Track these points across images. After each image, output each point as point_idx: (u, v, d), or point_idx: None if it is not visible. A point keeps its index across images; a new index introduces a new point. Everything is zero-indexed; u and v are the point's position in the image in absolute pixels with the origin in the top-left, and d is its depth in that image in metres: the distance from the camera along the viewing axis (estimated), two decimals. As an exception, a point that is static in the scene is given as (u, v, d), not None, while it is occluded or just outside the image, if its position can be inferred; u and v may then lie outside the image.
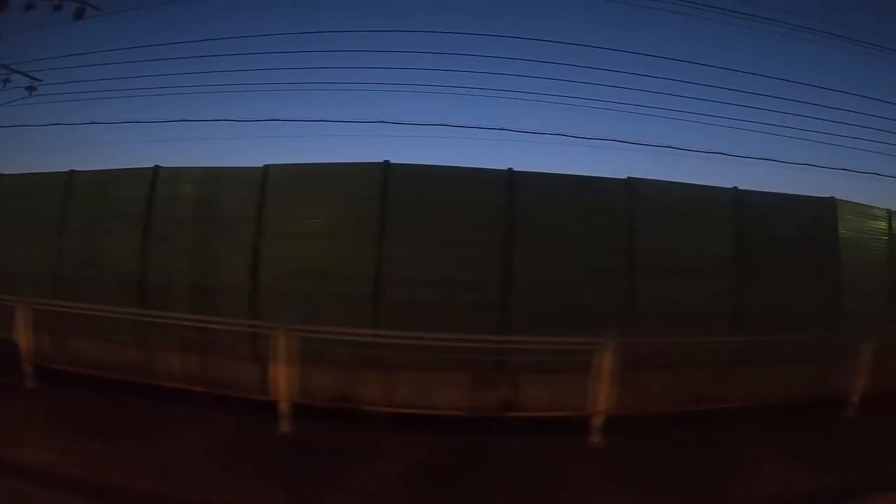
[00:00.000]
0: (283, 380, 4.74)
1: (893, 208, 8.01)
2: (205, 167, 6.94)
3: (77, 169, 7.55)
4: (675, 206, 6.69)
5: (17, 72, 8.00)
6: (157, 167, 7.02)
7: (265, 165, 6.71)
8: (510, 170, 6.49)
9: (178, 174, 6.93)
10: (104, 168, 7.40)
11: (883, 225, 7.84)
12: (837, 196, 7.35)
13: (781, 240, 6.95)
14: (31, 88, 8.16)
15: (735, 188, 6.89)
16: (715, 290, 6.65)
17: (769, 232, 6.93)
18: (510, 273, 6.28)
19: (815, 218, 7.22)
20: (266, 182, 6.64)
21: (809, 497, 3.73)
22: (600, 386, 4.77)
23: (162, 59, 11.17)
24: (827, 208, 7.24)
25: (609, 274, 6.41)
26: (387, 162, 6.49)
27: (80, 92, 9.51)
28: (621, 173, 6.71)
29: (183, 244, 6.79)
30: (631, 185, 6.59)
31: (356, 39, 13.03)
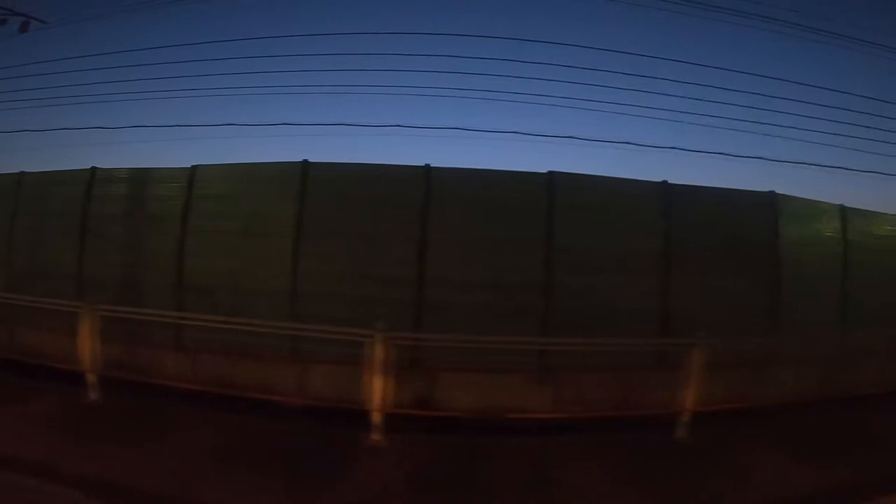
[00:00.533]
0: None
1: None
2: (137, 168, 7.13)
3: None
4: (598, 200, 6.55)
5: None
6: (94, 168, 7.25)
7: (193, 165, 6.86)
8: (427, 166, 6.47)
9: (112, 175, 7.13)
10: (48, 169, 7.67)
11: (834, 222, 7.51)
12: (784, 191, 7.11)
13: (715, 236, 6.70)
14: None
15: (664, 182, 6.68)
16: (641, 288, 6.45)
17: (703, 227, 6.70)
18: (423, 269, 6.24)
19: (753, 213, 6.96)
20: (193, 181, 6.77)
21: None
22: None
23: (109, 68, 11.38)
24: (766, 203, 6.98)
25: (526, 271, 6.28)
26: (305, 161, 6.56)
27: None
28: (555, 167, 6.56)
29: (116, 240, 6.97)
30: (552, 180, 6.47)
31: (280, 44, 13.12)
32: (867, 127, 9.24)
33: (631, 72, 8.75)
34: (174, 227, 6.72)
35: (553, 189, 6.45)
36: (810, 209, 7.42)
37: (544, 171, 6.52)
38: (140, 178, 7.06)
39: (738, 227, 6.84)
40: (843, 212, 7.59)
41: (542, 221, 6.36)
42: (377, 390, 4.76)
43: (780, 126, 9.16)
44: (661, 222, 6.57)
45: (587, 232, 6.45)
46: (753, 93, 10.21)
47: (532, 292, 6.24)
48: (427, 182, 6.40)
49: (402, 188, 6.41)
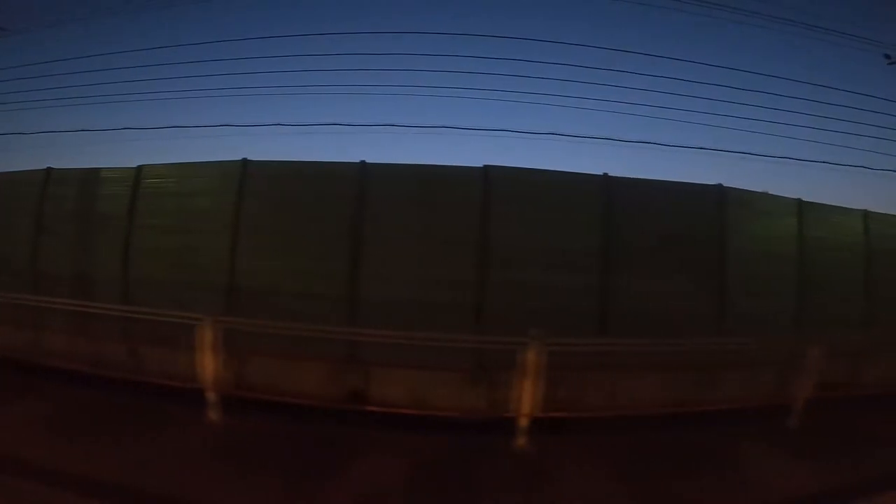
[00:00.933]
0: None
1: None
2: (88, 168, 7.32)
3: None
4: (534, 194, 6.45)
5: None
6: (49, 169, 7.46)
7: (139, 165, 7.03)
8: (363, 162, 6.49)
9: (66, 175, 7.33)
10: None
11: (790, 218, 7.28)
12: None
13: (659, 231, 6.55)
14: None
15: (605, 174, 6.54)
16: (578, 285, 6.32)
17: (645, 222, 6.56)
18: (357, 265, 6.26)
19: (700, 207, 6.79)
20: (139, 180, 6.92)
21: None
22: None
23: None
24: (713, 196, 6.79)
25: (459, 267, 6.24)
26: (245, 159, 6.65)
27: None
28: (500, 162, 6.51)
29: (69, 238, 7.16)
30: (488, 174, 6.41)
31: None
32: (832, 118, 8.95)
33: (577, 63, 8.57)
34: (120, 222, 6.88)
35: (488, 183, 6.38)
36: (765, 203, 7.20)
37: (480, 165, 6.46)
38: (90, 178, 7.23)
39: (684, 222, 6.69)
40: (801, 207, 7.35)
41: (477, 216, 6.29)
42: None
43: (737, 117, 8.88)
44: (600, 216, 6.44)
45: (523, 226, 6.35)
46: (705, 83, 9.89)
47: (465, 289, 6.17)
48: (362, 178, 6.41)
49: (338, 184, 6.44)
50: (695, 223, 6.74)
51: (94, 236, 7.10)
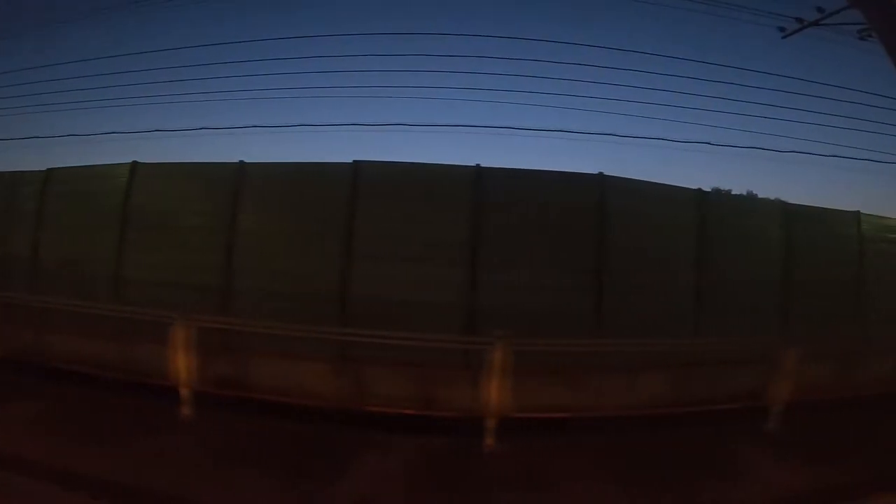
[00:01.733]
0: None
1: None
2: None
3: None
4: (406, 188, 6.48)
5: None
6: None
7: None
8: (241, 162, 6.76)
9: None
10: None
11: (687, 210, 6.91)
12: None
13: (535, 222, 6.40)
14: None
15: (477, 166, 6.47)
16: (447, 279, 6.22)
17: (520, 213, 6.41)
18: (230, 260, 6.49)
19: (579, 197, 6.56)
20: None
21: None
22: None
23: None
24: (594, 186, 6.54)
25: (327, 261, 6.32)
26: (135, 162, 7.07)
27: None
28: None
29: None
30: (358, 169, 6.51)
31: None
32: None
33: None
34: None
35: (357, 178, 6.49)
36: (660, 195, 6.87)
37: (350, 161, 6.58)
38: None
39: (562, 214, 6.47)
40: (702, 197, 7.04)
41: (344, 211, 6.39)
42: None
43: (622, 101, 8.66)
44: (470, 209, 6.35)
45: (391, 221, 6.38)
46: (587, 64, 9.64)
47: (331, 282, 6.25)
48: (238, 177, 6.67)
49: (214, 184, 6.74)
50: (573, 214, 6.51)
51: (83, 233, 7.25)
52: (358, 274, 6.27)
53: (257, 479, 3.74)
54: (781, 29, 7.40)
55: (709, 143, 10.18)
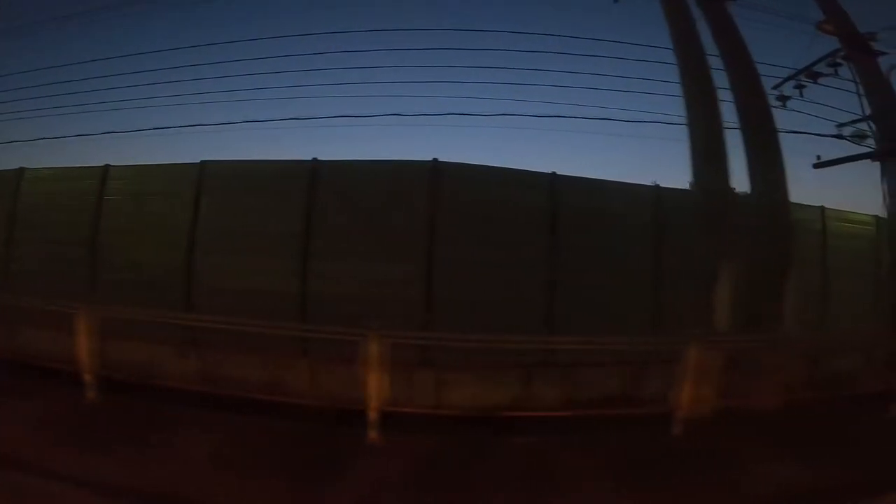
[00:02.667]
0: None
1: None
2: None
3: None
4: (247, 183, 6.78)
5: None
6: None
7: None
8: (107, 166, 7.30)
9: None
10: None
11: (538, 195, 6.71)
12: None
13: (368, 212, 6.47)
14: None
15: (314, 159, 6.64)
16: (279, 270, 6.45)
17: (353, 204, 6.52)
18: (94, 252, 7.07)
19: (410, 185, 6.57)
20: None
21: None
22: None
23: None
24: (425, 173, 6.51)
25: (171, 253, 6.72)
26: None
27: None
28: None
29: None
30: (204, 168, 6.85)
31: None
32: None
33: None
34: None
35: (203, 176, 6.84)
36: (487, 176, 6.71)
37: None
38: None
39: (394, 202, 6.49)
40: (554, 182, 6.79)
41: (191, 206, 6.77)
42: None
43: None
44: (305, 201, 6.54)
45: (234, 214, 6.70)
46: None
47: (175, 274, 6.65)
48: (103, 178, 7.21)
49: (78, 184, 7.32)
50: (405, 202, 6.52)
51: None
52: (203, 265, 6.63)
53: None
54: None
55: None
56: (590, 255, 6.60)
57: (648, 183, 7.06)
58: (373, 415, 4.23)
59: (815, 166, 6.18)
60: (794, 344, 5.66)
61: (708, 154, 5.43)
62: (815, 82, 7.08)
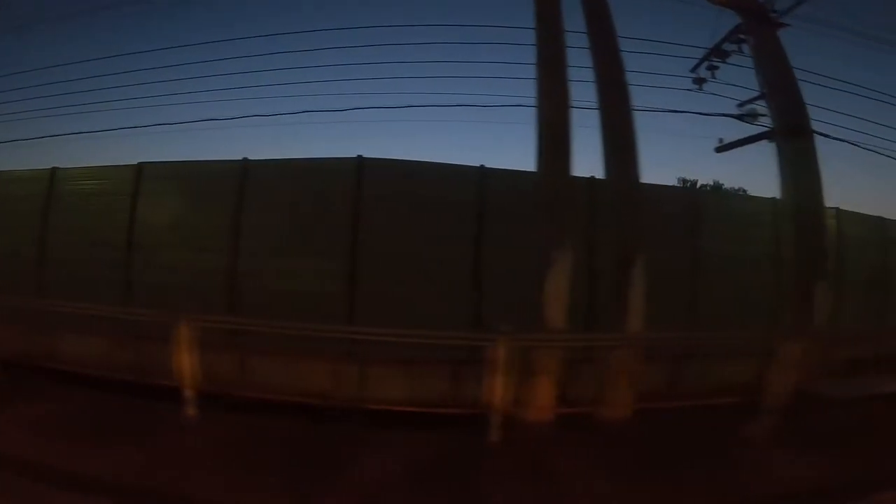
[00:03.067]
0: None
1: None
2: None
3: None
4: (181, 183, 7.10)
5: None
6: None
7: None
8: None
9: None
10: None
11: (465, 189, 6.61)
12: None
13: (296, 210, 6.66)
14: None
15: (244, 159, 6.87)
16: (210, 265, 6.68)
17: (280, 203, 6.72)
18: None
19: (337, 183, 6.65)
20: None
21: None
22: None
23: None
24: (350, 171, 6.57)
25: (112, 249, 7.03)
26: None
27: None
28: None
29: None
30: (141, 169, 7.23)
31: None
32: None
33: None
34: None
35: (140, 175, 7.19)
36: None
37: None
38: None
39: (321, 200, 6.65)
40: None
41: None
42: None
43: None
44: (234, 200, 6.75)
45: (165, 211, 7.02)
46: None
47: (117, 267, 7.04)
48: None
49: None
50: (330, 199, 6.64)
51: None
52: (142, 261, 6.95)
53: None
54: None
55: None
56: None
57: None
58: (188, 392, 4.65)
59: (718, 150, 5.83)
60: (641, 344, 5.14)
61: (554, 138, 5.25)
62: (725, 62, 6.67)
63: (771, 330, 4.90)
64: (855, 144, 7.13)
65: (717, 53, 6.57)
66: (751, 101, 6.03)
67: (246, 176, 6.86)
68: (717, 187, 17.42)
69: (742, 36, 6.21)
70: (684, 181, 17.49)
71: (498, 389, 4.37)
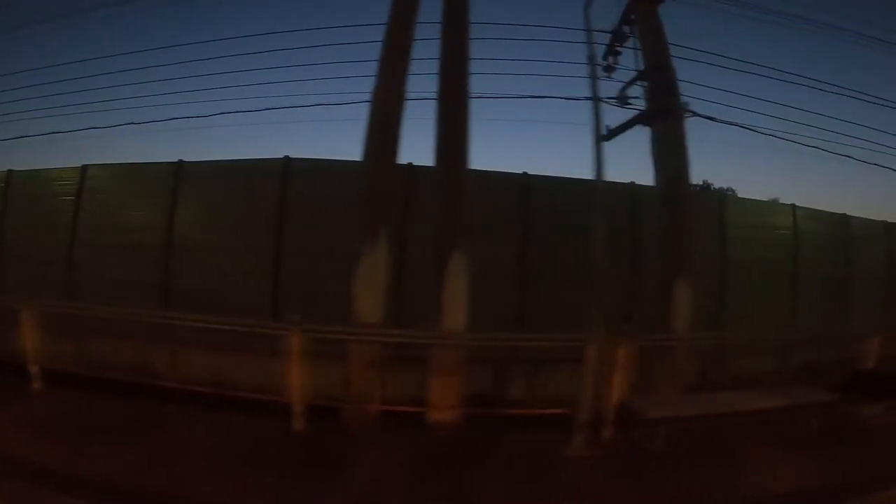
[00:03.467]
0: None
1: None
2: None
3: None
4: (117, 183, 7.47)
5: None
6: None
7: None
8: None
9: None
10: None
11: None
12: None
13: (229, 210, 6.88)
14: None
15: (180, 161, 7.09)
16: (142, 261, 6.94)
17: (215, 203, 6.99)
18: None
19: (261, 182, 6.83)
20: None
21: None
22: None
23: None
24: (277, 171, 6.77)
25: (51, 246, 7.39)
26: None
27: None
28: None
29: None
30: (85, 171, 7.52)
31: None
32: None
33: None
34: None
35: (84, 177, 7.56)
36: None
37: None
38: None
39: (251, 200, 6.82)
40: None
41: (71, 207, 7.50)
42: None
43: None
44: (169, 200, 7.02)
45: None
46: None
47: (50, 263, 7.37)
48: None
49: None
50: (257, 199, 6.80)
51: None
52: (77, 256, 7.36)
53: None
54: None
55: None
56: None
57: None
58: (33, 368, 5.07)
59: (605, 139, 5.53)
60: (457, 344, 4.83)
61: (382, 124, 5.07)
62: (624, 45, 6.31)
63: (587, 334, 4.41)
64: (747, 128, 6.63)
65: (617, 37, 6.22)
66: (631, 82, 5.64)
67: (180, 176, 7.09)
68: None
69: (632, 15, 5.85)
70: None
71: (295, 379, 4.36)
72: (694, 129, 5.87)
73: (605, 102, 5.13)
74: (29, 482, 3.18)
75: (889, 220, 9.27)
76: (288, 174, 6.74)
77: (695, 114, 5.33)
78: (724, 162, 32.16)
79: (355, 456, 3.98)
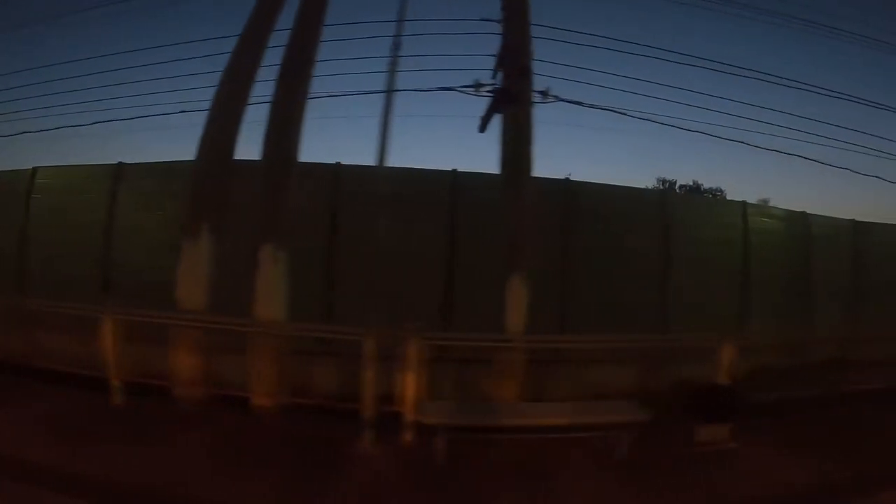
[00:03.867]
0: None
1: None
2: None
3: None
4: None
5: None
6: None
7: None
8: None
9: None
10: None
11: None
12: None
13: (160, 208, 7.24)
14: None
15: (119, 163, 7.56)
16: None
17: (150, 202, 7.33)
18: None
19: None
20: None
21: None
22: None
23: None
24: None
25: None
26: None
27: None
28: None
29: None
30: (34, 173, 8.19)
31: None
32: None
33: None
34: None
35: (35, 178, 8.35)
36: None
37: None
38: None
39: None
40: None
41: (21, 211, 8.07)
42: None
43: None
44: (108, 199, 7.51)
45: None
46: None
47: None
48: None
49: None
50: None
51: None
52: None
53: None
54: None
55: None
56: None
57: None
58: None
59: (480, 130, 5.40)
60: (269, 332, 4.95)
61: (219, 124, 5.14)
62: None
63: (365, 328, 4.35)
64: (616, 111, 6.38)
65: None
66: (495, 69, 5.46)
67: (119, 177, 7.49)
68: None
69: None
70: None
71: (109, 356, 4.80)
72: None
73: (460, 91, 5.01)
74: None
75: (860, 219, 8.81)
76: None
77: (558, 98, 5.03)
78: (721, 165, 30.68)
79: (159, 428, 4.40)
